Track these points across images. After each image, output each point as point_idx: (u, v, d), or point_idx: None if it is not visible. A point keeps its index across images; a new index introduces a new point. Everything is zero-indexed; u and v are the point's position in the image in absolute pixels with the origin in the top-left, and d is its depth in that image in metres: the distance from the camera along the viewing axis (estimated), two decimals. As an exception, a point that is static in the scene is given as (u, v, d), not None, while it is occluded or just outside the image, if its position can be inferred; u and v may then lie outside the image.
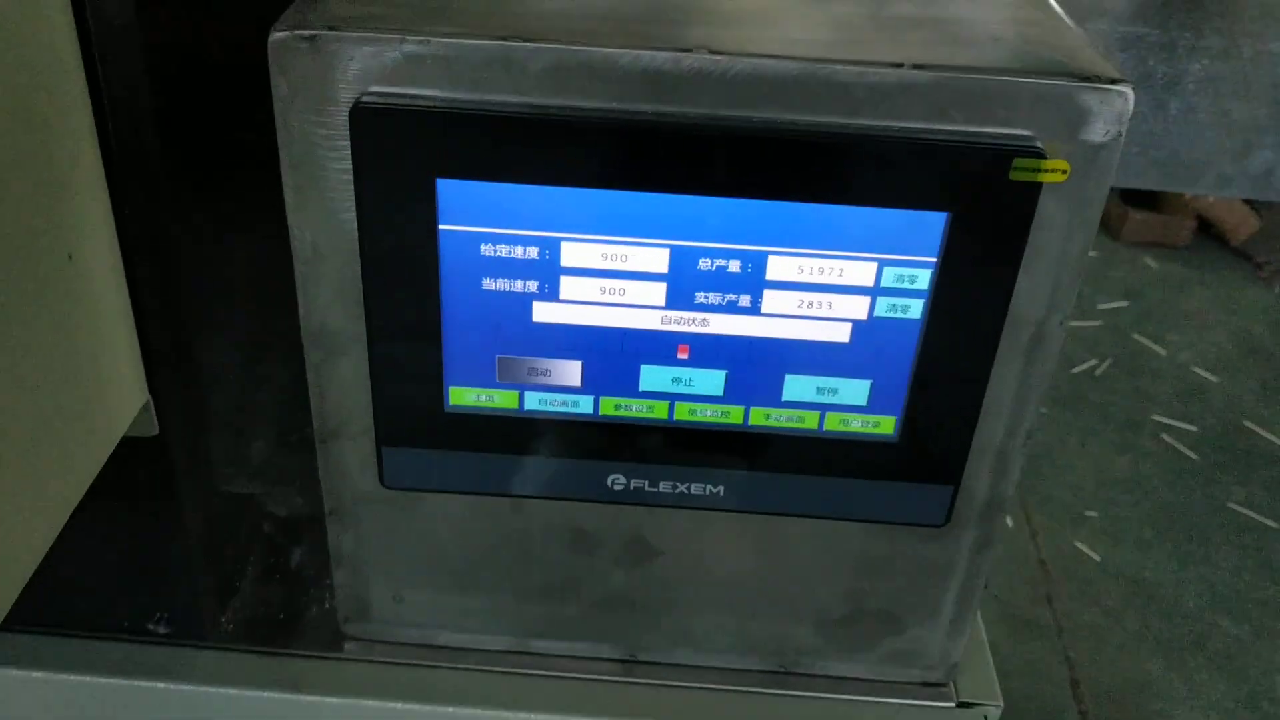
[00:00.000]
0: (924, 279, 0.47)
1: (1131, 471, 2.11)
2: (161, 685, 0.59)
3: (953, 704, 0.60)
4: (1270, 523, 2.00)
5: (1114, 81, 0.43)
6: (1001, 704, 0.61)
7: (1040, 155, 0.44)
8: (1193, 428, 2.23)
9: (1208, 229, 2.92)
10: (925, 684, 0.61)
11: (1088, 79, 0.43)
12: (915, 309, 0.48)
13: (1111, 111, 0.43)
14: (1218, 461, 2.15)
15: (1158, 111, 1.10)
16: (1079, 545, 1.92)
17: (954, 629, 0.59)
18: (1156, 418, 2.25)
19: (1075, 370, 2.38)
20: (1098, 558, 1.90)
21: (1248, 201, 2.87)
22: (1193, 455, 2.16)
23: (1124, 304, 2.64)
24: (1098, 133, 0.44)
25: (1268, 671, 1.71)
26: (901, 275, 0.47)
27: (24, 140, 0.41)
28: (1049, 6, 0.52)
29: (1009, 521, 1.96)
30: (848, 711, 0.60)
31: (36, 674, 0.58)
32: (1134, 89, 0.43)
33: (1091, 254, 2.83)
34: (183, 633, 0.60)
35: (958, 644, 0.59)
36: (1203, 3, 1.05)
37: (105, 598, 0.59)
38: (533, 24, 0.45)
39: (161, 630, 0.60)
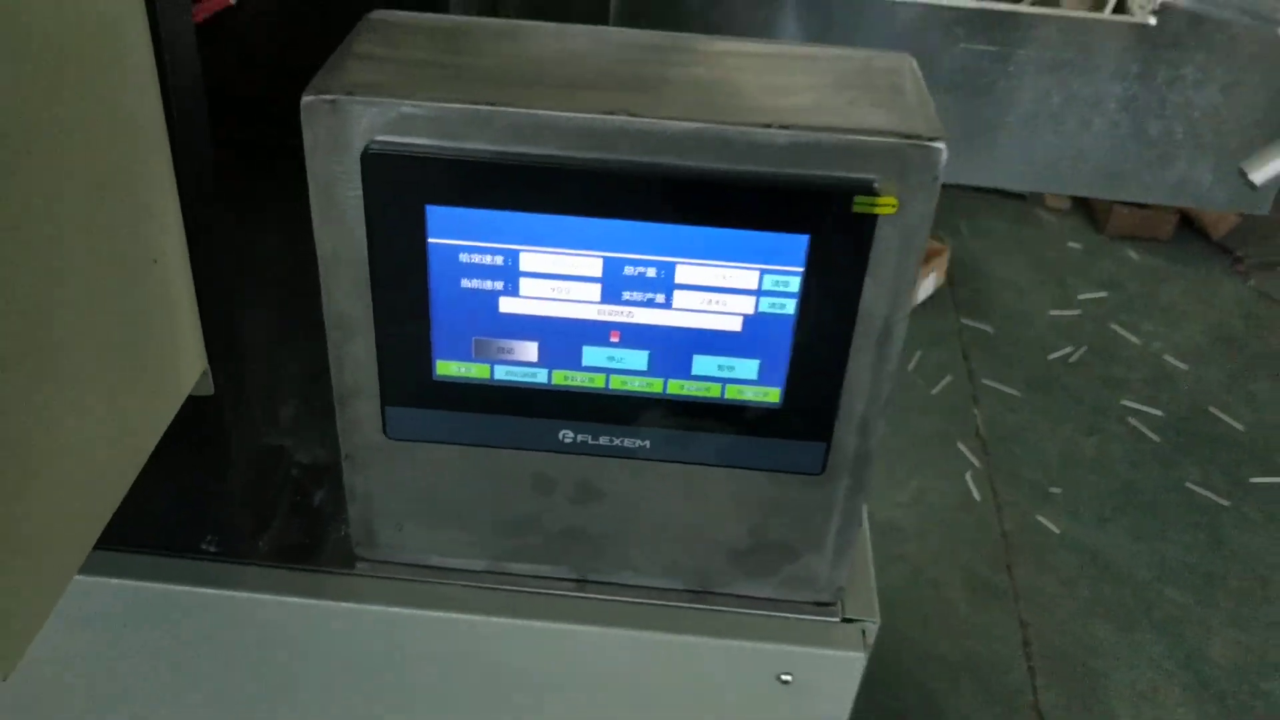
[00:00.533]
0: (794, 284, 0.62)
1: (1097, 452, 2.25)
2: (211, 592, 0.74)
3: (838, 619, 0.75)
4: (1223, 501, 2.14)
5: (932, 139, 0.58)
6: (879, 621, 0.76)
7: (874, 193, 0.59)
8: (1159, 412, 2.37)
9: (1190, 223, 3.05)
10: (817, 603, 0.76)
11: (911, 137, 0.58)
12: (789, 306, 0.63)
13: (928, 161, 0.58)
14: (1179, 444, 2.29)
15: (1084, 128, 1.24)
16: (1041, 519, 2.07)
17: (837, 559, 0.74)
18: (1125, 402, 2.39)
19: (1051, 357, 2.52)
20: (1057, 531, 2.05)
21: (1228, 197, 2.98)
22: (1156, 438, 2.30)
23: (1104, 294, 2.77)
24: (918, 177, 0.59)
25: (1205, 636, 1.86)
26: (777, 281, 0.62)
27: (126, 181, 0.56)
28: (910, 73, 0.66)
29: (976, 496, 2.11)
30: (754, 623, 0.75)
31: (114, 581, 0.74)
32: (947, 144, 0.58)
33: (1076, 246, 2.97)
34: (228, 552, 0.76)
35: (841, 571, 0.75)
36: (1125, 32, 1.19)
37: (169, 522, 0.74)
38: (500, 91, 0.60)
39: (212, 549, 0.76)
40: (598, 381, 0.66)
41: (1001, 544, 2.01)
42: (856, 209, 0.59)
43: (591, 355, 0.65)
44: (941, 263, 2.71)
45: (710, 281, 0.62)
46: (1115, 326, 2.64)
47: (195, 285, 0.65)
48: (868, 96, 0.63)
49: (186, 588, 0.74)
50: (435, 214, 0.61)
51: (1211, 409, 2.39)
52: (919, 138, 0.58)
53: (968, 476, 2.15)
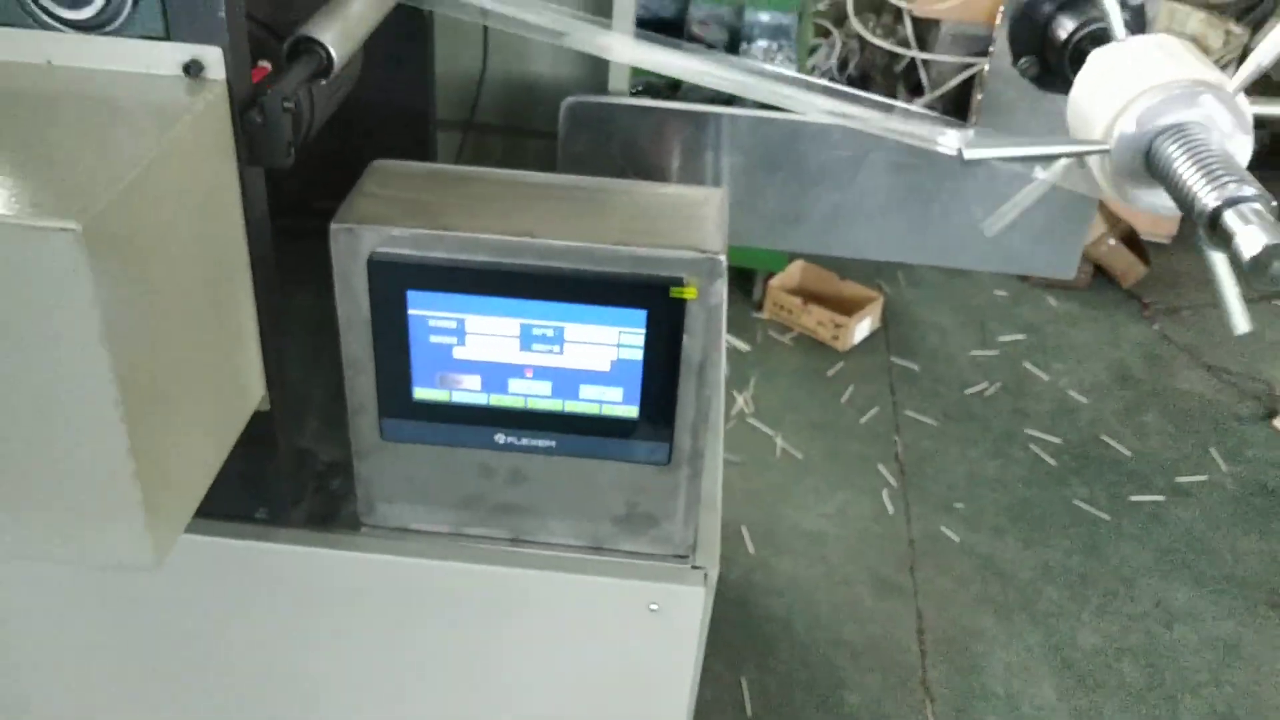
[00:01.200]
0: (640, 340, 0.98)
1: (999, 474, 2.60)
2: (261, 544, 1.10)
3: (689, 566, 1.11)
4: (1104, 516, 2.49)
5: (717, 253, 0.94)
6: (718, 568, 1.11)
7: (682, 285, 0.95)
8: (1057, 440, 2.72)
9: (1105, 273, 3.41)
10: (675, 555, 1.11)
11: (705, 251, 0.94)
12: (638, 354, 0.99)
13: (715, 265, 0.94)
14: (1071, 467, 2.63)
15: (926, 211, 1.60)
16: (944, 529, 2.41)
17: (686, 524, 1.09)
18: (1028, 431, 2.74)
19: (968, 392, 2.87)
20: (957, 540, 2.39)
21: (1135, 251, 3.35)
22: (1052, 462, 2.64)
23: (1021, 337, 3.13)
24: (710, 276, 0.94)
25: (1074, 627, 2.20)
26: (630, 338, 0.98)
27: (224, 277, 0.92)
28: (718, 203, 1.02)
29: (890, 509, 2.45)
30: (631, 568, 1.10)
31: (198, 537, 1.09)
32: (727, 257, 0.94)
33: (1002, 294, 3.33)
34: (274, 520, 1.11)
35: (690, 533, 1.10)
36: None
37: (233, 497, 1.10)
38: (452, 219, 0.96)
39: (262, 517, 1.11)
40: (519, 402, 1.02)
41: (908, 550, 2.36)
42: (673, 295, 0.95)
43: (515, 385, 1.01)
44: (876, 308, 3.06)
45: (588, 338, 0.98)
46: (1028, 365, 3.00)
47: (259, 339, 1.01)
48: (685, 222, 0.99)
49: (244, 542, 1.10)
50: (413, 296, 0.97)
51: (1104, 437, 2.74)
52: (709, 251, 0.94)
53: (884, 493, 2.50)
